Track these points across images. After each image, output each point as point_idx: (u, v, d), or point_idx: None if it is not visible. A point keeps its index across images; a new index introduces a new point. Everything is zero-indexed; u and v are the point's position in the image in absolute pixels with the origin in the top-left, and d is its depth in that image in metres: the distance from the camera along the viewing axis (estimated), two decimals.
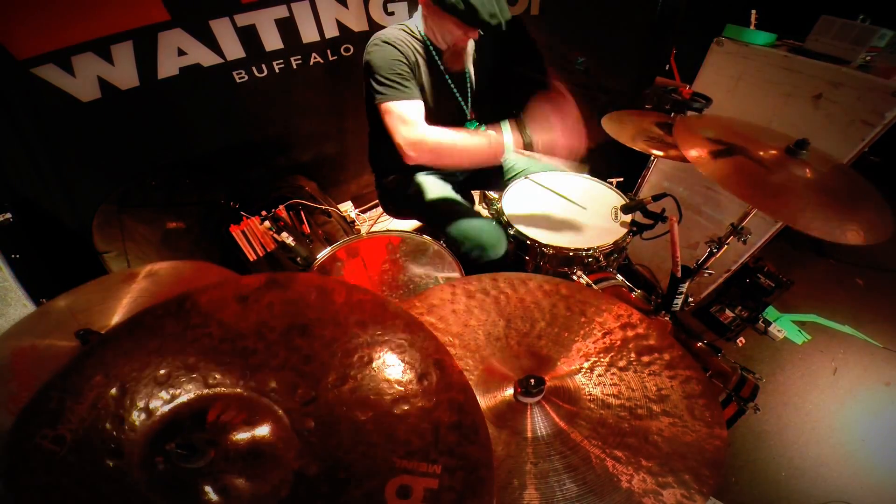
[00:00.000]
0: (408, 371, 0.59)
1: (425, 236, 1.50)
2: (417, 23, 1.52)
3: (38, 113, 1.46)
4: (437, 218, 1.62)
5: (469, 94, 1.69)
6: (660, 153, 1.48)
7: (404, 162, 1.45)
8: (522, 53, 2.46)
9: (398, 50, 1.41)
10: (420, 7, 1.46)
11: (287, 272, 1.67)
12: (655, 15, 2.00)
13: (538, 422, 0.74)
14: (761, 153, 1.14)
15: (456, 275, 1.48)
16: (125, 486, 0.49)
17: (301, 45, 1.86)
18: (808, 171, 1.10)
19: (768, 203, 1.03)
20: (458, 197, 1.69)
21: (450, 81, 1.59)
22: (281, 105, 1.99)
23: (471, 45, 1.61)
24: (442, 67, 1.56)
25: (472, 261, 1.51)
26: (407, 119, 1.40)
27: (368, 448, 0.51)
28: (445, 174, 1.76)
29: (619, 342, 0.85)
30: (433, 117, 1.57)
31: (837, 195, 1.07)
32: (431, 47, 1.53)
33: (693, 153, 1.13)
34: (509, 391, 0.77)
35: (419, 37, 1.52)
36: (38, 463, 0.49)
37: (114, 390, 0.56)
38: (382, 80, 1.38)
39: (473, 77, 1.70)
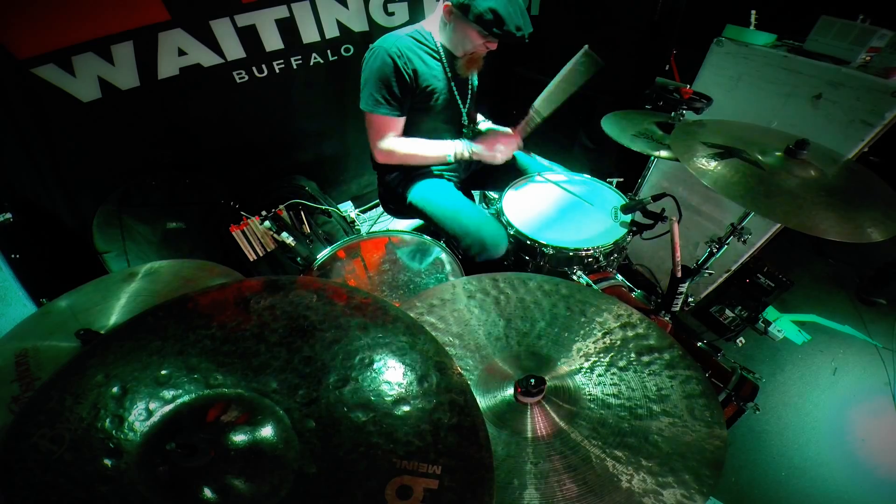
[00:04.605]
0: (408, 373, 0.59)
1: (425, 236, 1.51)
2: (433, 28, 1.52)
3: (39, 113, 1.46)
4: (437, 214, 1.62)
5: (469, 100, 1.70)
6: (660, 153, 1.48)
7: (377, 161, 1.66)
8: (522, 54, 2.47)
9: (397, 65, 1.41)
10: (441, 14, 1.45)
11: (288, 274, 1.67)
12: (655, 15, 2.00)
13: (538, 422, 0.74)
14: (760, 157, 1.14)
15: (456, 275, 1.48)
16: (123, 485, 0.49)
17: (301, 46, 1.86)
18: (810, 171, 1.10)
19: (770, 208, 1.03)
20: (459, 193, 1.69)
21: (454, 88, 1.60)
22: (281, 105, 1.99)
23: None
24: (450, 74, 1.56)
25: (473, 257, 1.51)
26: (383, 131, 1.53)
27: (369, 448, 0.52)
28: (446, 174, 1.76)
29: (619, 342, 0.85)
30: (432, 122, 1.59)
31: (842, 194, 1.07)
32: (444, 54, 1.53)
33: (693, 163, 1.13)
34: (509, 391, 0.77)
35: (431, 45, 1.52)
36: (35, 462, 0.49)
37: (114, 390, 0.56)
38: (371, 91, 1.46)
39: (476, 82, 1.71)
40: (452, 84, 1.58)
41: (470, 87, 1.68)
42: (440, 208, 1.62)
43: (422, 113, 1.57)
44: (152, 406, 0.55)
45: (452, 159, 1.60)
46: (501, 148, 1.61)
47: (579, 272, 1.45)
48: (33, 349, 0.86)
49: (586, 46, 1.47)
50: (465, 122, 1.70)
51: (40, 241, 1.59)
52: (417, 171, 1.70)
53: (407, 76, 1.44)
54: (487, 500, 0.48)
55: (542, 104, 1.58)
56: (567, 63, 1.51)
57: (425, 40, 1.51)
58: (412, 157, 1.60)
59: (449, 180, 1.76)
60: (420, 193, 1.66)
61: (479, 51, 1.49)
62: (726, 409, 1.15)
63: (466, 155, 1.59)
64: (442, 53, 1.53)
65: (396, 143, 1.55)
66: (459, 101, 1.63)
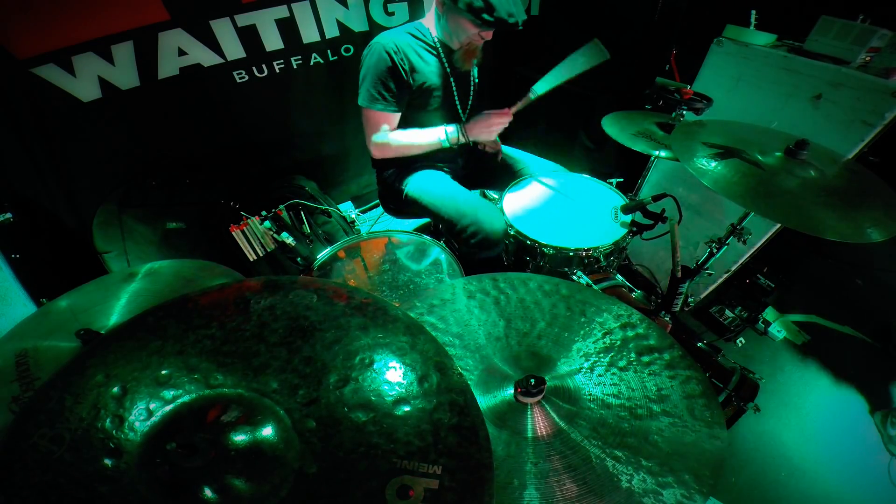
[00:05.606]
0: (408, 373, 0.59)
1: (425, 236, 1.51)
2: (430, 24, 1.52)
3: (39, 113, 1.46)
4: (433, 201, 1.62)
5: (470, 96, 1.70)
6: (660, 153, 1.48)
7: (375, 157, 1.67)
8: (523, 53, 2.47)
9: (394, 60, 1.42)
10: (434, 7, 1.45)
11: (288, 274, 1.67)
12: (655, 15, 2.00)
13: (538, 422, 0.74)
14: (760, 157, 1.14)
15: (457, 275, 1.48)
16: (123, 485, 0.49)
17: (301, 46, 1.86)
18: (810, 171, 1.10)
19: (770, 208, 1.03)
20: (455, 182, 1.69)
21: (453, 84, 1.60)
22: (281, 105, 1.99)
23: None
24: (449, 70, 1.56)
25: (469, 238, 1.50)
26: (378, 126, 1.55)
27: (369, 448, 0.52)
28: (444, 169, 1.76)
29: (619, 342, 0.85)
30: (431, 119, 1.59)
31: (842, 194, 1.07)
32: (441, 49, 1.53)
33: (693, 163, 1.13)
34: (509, 391, 0.77)
35: (429, 41, 1.52)
36: (35, 462, 0.49)
37: (114, 390, 0.56)
38: (368, 87, 1.47)
39: (477, 78, 1.71)
40: (451, 80, 1.58)
41: (472, 82, 1.68)
42: (436, 196, 1.62)
43: (420, 110, 1.57)
44: (152, 406, 0.55)
45: (447, 143, 1.56)
46: (494, 122, 1.55)
47: (579, 272, 1.45)
48: (33, 349, 0.86)
49: (595, 39, 1.47)
50: (461, 121, 1.70)
51: (40, 241, 1.59)
52: (413, 164, 1.70)
53: (403, 72, 1.45)
54: (487, 500, 0.48)
55: (540, 86, 1.54)
56: (574, 52, 1.49)
57: (423, 36, 1.51)
58: (406, 148, 1.59)
59: (444, 171, 1.75)
60: (416, 184, 1.67)
61: (475, 41, 1.48)
62: (726, 410, 1.15)
63: (459, 137, 1.55)
64: (439, 48, 1.53)
65: (390, 136, 1.56)
66: (457, 98, 1.63)
